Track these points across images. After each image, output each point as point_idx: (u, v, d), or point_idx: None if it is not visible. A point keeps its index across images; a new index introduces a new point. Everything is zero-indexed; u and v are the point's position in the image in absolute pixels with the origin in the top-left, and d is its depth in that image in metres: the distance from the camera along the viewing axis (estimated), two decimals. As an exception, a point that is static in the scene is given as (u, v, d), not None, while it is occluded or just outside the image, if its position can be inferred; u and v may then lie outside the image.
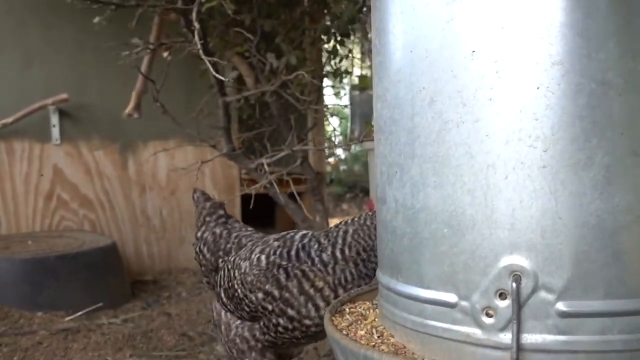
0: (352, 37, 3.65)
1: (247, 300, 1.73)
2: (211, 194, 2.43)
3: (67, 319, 3.16)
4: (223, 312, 1.87)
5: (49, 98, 4.00)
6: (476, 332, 1.00)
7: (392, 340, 1.16)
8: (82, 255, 3.47)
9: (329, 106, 3.68)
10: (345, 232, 1.70)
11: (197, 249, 2.02)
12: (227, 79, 2.23)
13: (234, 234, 1.96)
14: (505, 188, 0.97)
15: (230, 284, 1.79)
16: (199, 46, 2.12)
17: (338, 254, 1.67)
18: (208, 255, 1.97)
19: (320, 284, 1.65)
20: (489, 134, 0.98)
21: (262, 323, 1.73)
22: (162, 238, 4.44)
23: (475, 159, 1.00)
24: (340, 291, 1.65)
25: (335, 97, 8.51)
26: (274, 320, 1.69)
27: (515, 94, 0.96)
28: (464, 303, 1.02)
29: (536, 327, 0.96)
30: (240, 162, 2.95)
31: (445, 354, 1.04)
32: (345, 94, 8.55)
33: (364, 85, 7.29)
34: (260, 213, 3.89)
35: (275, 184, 2.69)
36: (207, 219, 2.03)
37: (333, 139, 5.29)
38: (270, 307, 1.68)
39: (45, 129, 4.10)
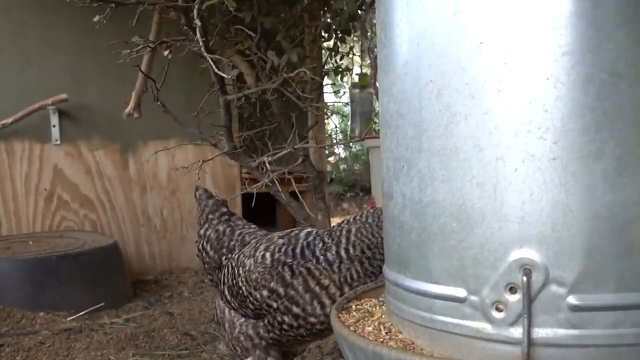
0: (351, 35, 3.64)
1: (251, 298, 1.72)
2: (212, 193, 2.42)
3: (69, 318, 3.15)
4: (227, 310, 1.86)
5: (48, 98, 3.99)
6: (486, 327, 0.99)
7: (400, 336, 1.15)
8: (84, 255, 3.47)
9: (330, 104, 3.66)
10: (349, 231, 1.70)
11: (200, 246, 2.01)
12: (229, 76, 2.21)
13: (238, 232, 1.95)
14: (515, 181, 0.96)
15: (234, 281, 1.78)
16: (200, 43, 2.10)
17: (343, 253, 1.67)
18: (211, 253, 1.96)
19: (326, 281, 1.64)
20: (498, 126, 0.97)
21: (266, 321, 1.72)
22: (163, 238, 4.43)
23: (484, 151, 0.99)
24: (347, 289, 1.63)
25: (334, 95, 8.51)
26: (278, 318, 1.68)
27: (525, 85, 0.95)
28: (473, 298, 1.01)
29: (547, 321, 0.95)
30: (241, 161, 2.93)
31: (455, 350, 1.03)
32: (344, 93, 8.54)
33: (364, 83, 7.27)
34: (262, 212, 3.88)
35: (277, 182, 2.68)
36: (210, 216, 2.02)
37: (334, 137, 5.27)
38: (275, 305, 1.67)
39: (45, 129, 4.09)
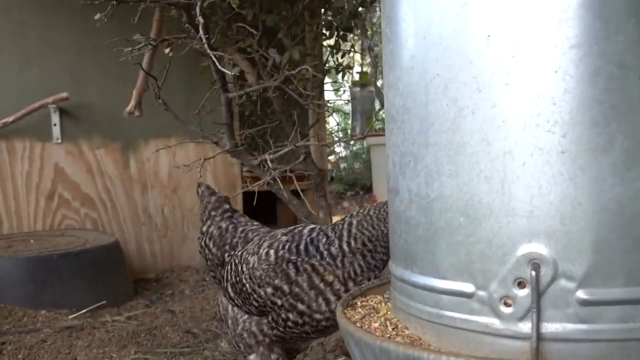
0: (352, 33, 3.63)
1: (255, 295, 1.71)
2: (215, 189, 2.41)
3: (70, 316, 3.15)
4: (230, 307, 1.85)
5: (49, 97, 3.98)
6: (494, 322, 0.99)
7: (407, 332, 1.14)
8: (85, 253, 3.46)
9: (331, 102, 3.66)
10: (350, 224, 1.70)
11: (203, 243, 2.01)
12: (232, 73, 2.21)
13: (240, 228, 1.95)
14: (523, 175, 0.95)
15: (238, 278, 1.77)
16: (203, 40, 2.10)
17: (345, 246, 1.66)
18: (214, 250, 1.95)
19: (330, 277, 1.64)
20: (506, 119, 0.96)
21: (270, 318, 1.72)
22: (164, 236, 4.42)
23: (491, 145, 0.98)
24: (351, 284, 1.63)
25: (334, 94, 8.50)
26: (283, 315, 1.67)
27: (533, 78, 0.94)
28: (481, 293, 1.00)
29: (556, 316, 0.94)
30: (243, 159, 2.93)
31: (463, 345, 1.02)
32: (345, 91, 8.54)
33: (365, 81, 7.27)
34: (262, 210, 3.87)
35: (278, 180, 2.67)
36: (213, 213, 2.01)
37: (335, 135, 5.27)
38: (279, 302, 1.66)
39: (46, 128, 4.09)
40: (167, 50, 2.94)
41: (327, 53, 3.40)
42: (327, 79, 4.49)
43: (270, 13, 2.93)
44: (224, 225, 1.97)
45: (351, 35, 3.63)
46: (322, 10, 3.65)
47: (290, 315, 1.66)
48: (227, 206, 2.04)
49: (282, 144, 2.82)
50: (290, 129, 2.84)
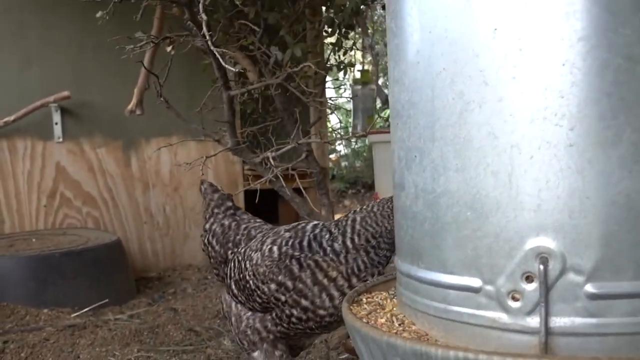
0: (354, 31, 3.63)
1: (259, 292, 1.71)
2: (217, 187, 2.41)
3: (73, 315, 3.15)
4: (233, 304, 1.85)
5: (50, 96, 3.98)
6: (502, 317, 0.98)
7: (413, 327, 1.14)
8: (87, 252, 3.46)
9: (332, 100, 3.66)
10: (354, 220, 1.69)
11: (206, 240, 2.00)
12: (235, 69, 2.20)
13: (243, 226, 1.94)
14: (531, 168, 0.95)
15: (241, 275, 1.77)
16: (207, 37, 2.09)
17: (349, 242, 1.66)
18: (217, 247, 1.95)
19: (333, 273, 1.63)
20: (513, 113, 0.96)
21: (274, 314, 1.71)
22: (166, 235, 4.42)
23: (498, 139, 0.97)
24: (354, 280, 1.63)
25: (335, 92, 8.49)
26: (287, 311, 1.67)
27: (540, 71, 0.94)
28: (488, 287, 1.00)
29: (564, 310, 0.93)
30: (245, 157, 2.92)
31: (470, 340, 1.02)
32: (345, 89, 8.53)
33: (366, 79, 7.27)
34: (264, 208, 3.87)
35: (280, 178, 2.67)
36: (216, 210, 2.01)
37: (337, 133, 5.26)
38: (283, 298, 1.66)
39: (47, 127, 4.09)
40: (169, 48, 2.93)
41: (329, 51, 3.39)
42: (328, 77, 4.48)
43: (272, 11, 2.93)
44: (226, 222, 1.97)
45: (352, 33, 3.62)
46: (324, 7, 3.65)
47: (294, 311, 1.65)
48: (229, 203, 2.03)
49: (283, 142, 2.82)
50: (292, 127, 2.83)
